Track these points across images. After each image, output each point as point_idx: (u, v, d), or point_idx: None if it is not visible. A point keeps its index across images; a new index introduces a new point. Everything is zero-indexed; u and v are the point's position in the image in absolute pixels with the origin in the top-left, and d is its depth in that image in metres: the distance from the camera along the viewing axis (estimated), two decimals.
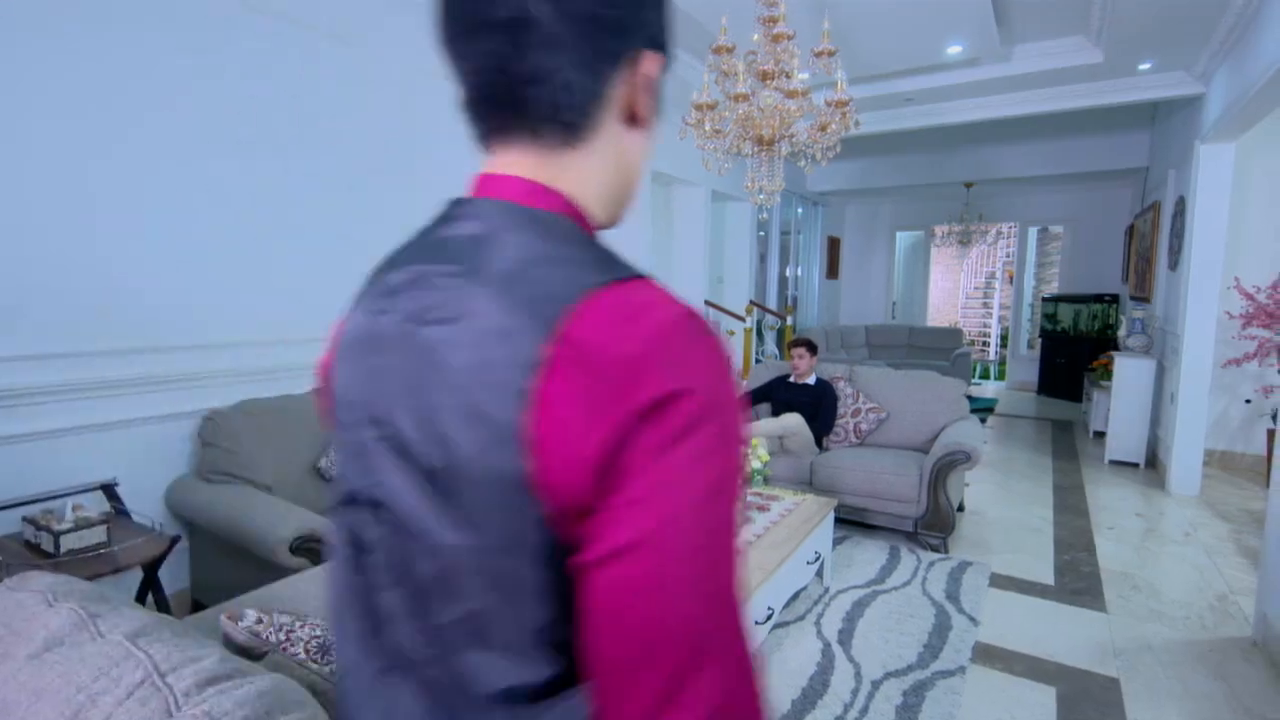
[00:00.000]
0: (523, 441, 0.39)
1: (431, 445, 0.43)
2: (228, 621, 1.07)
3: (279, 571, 2.02)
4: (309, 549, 2.04)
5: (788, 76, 2.52)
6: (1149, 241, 6.14)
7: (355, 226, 3.09)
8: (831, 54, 2.44)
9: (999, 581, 3.04)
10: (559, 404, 0.39)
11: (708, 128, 2.62)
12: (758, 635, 2.20)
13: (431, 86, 3.42)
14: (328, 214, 2.97)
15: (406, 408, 0.45)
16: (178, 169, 2.45)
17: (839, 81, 2.47)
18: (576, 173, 0.50)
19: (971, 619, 2.66)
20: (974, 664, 2.34)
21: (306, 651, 1.07)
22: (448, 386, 0.43)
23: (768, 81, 2.56)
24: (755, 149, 2.66)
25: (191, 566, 2.52)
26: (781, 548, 2.39)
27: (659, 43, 0.51)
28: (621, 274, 0.43)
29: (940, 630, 2.57)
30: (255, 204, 2.70)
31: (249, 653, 1.06)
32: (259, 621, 1.09)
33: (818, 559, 2.74)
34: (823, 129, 2.63)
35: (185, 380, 2.51)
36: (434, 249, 0.49)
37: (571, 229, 0.48)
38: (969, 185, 8.56)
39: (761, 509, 2.81)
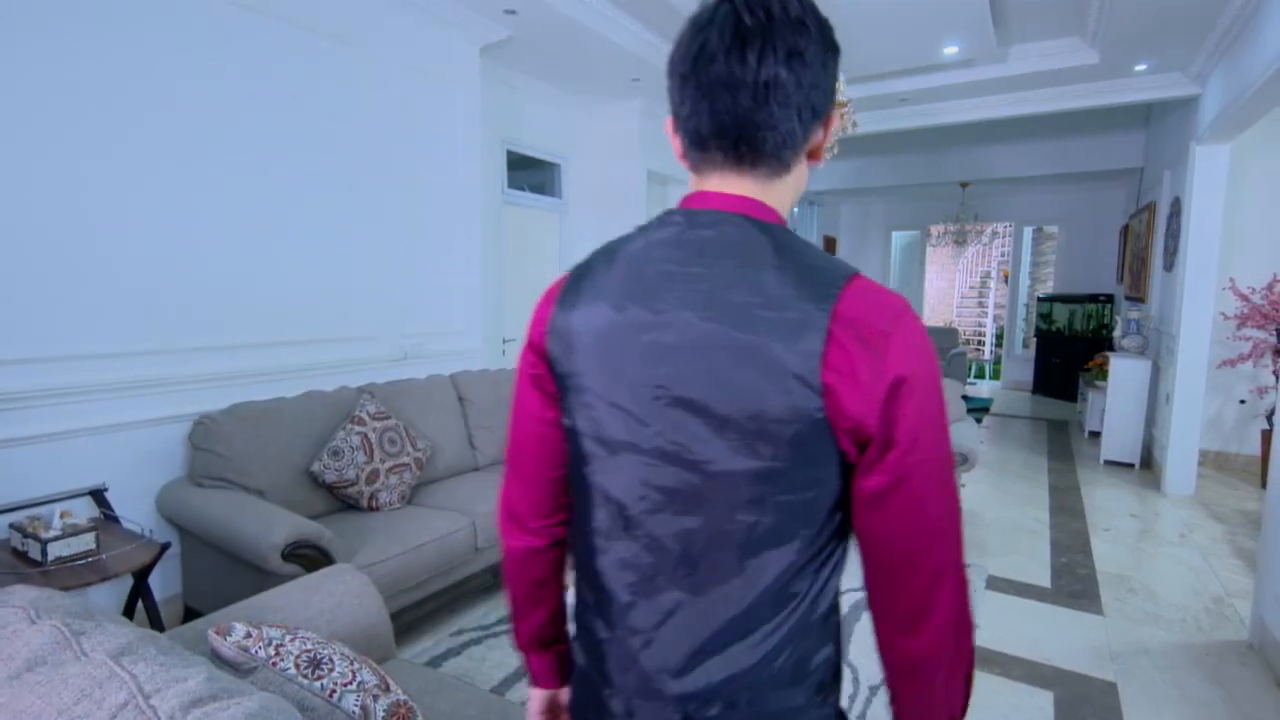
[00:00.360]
0: (815, 386, 0.56)
1: (724, 397, 0.58)
2: (215, 637, 1.05)
3: (272, 578, 2.00)
4: (301, 555, 2.02)
5: None
6: (1144, 242, 6.15)
7: (352, 227, 3.07)
8: None
9: (996, 584, 3.04)
10: (843, 361, 0.56)
11: None
12: None
13: (429, 86, 3.39)
14: (324, 214, 2.95)
15: (694, 373, 0.59)
16: (174, 170, 2.42)
17: (839, 82, 2.45)
18: (777, 194, 0.65)
19: None
20: None
21: (297, 666, 1.05)
22: (742, 353, 0.57)
23: None
24: None
25: (184, 572, 2.50)
26: None
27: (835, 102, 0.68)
28: (850, 269, 0.60)
29: None
30: (251, 205, 2.67)
31: (238, 668, 1.04)
32: (248, 636, 1.06)
33: None
34: None
35: (177, 383, 2.48)
36: (685, 248, 0.62)
37: (795, 236, 0.63)
38: (964, 185, 8.56)
39: None
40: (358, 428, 2.67)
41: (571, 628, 0.76)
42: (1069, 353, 8.31)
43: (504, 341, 4.70)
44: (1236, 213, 4.78)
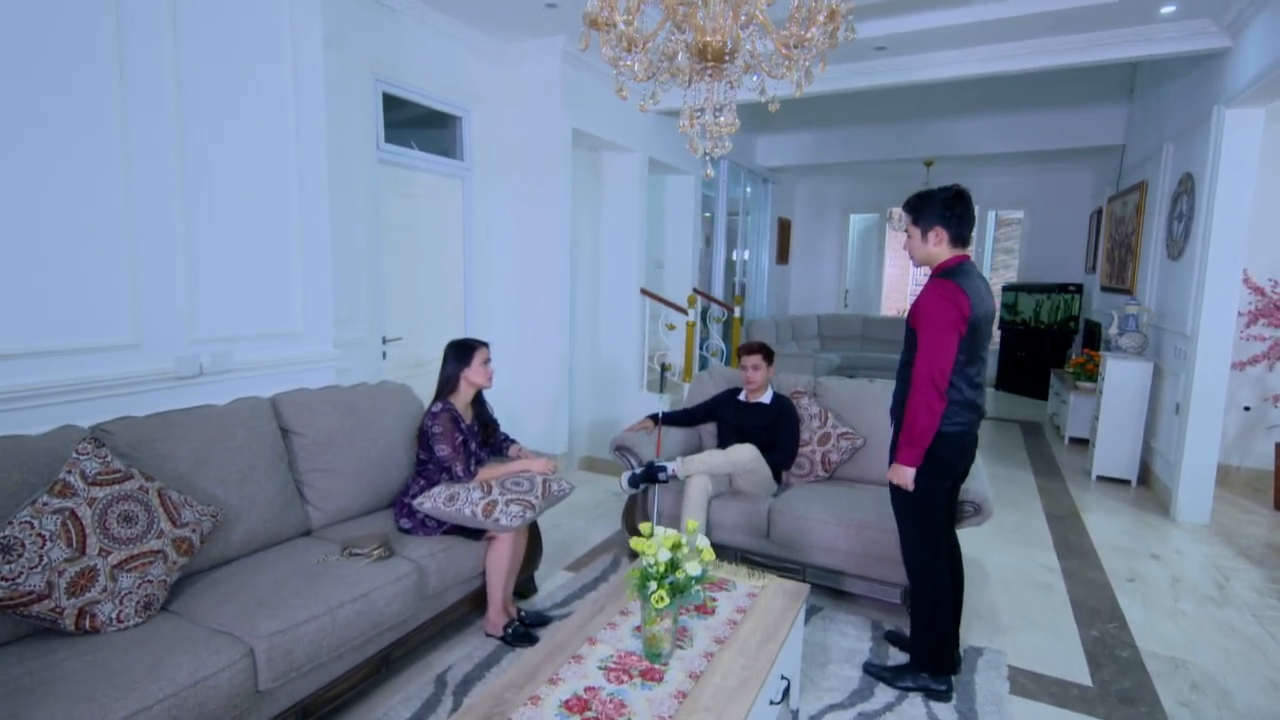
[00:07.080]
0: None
1: (990, 309, 2.10)
2: None
3: None
4: None
5: None
6: (1131, 227, 5.53)
7: (87, 168, 2.01)
8: None
9: (1022, 683, 2.24)
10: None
11: (621, 27, 1.64)
12: None
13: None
14: (22, 143, 1.88)
15: (989, 304, 2.12)
16: None
17: None
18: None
19: None
20: None
21: None
22: (990, 296, 2.14)
23: None
24: (697, 67, 1.73)
25: None
26: (739, 698, 1.49)
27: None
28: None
29: None
30: None
31: None
32: None
33: (786, 686, 1.86)
34: (799, 43, 1.73)
35: None
36: (976, 274, 2.10)
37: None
38: (929, 163, 7.86)
39: (703, 610, 1.91)
40: (59, 500, 1.65)
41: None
42: (1035, 346, 7.79)
43: (384, 341, 3.67)
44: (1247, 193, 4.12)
